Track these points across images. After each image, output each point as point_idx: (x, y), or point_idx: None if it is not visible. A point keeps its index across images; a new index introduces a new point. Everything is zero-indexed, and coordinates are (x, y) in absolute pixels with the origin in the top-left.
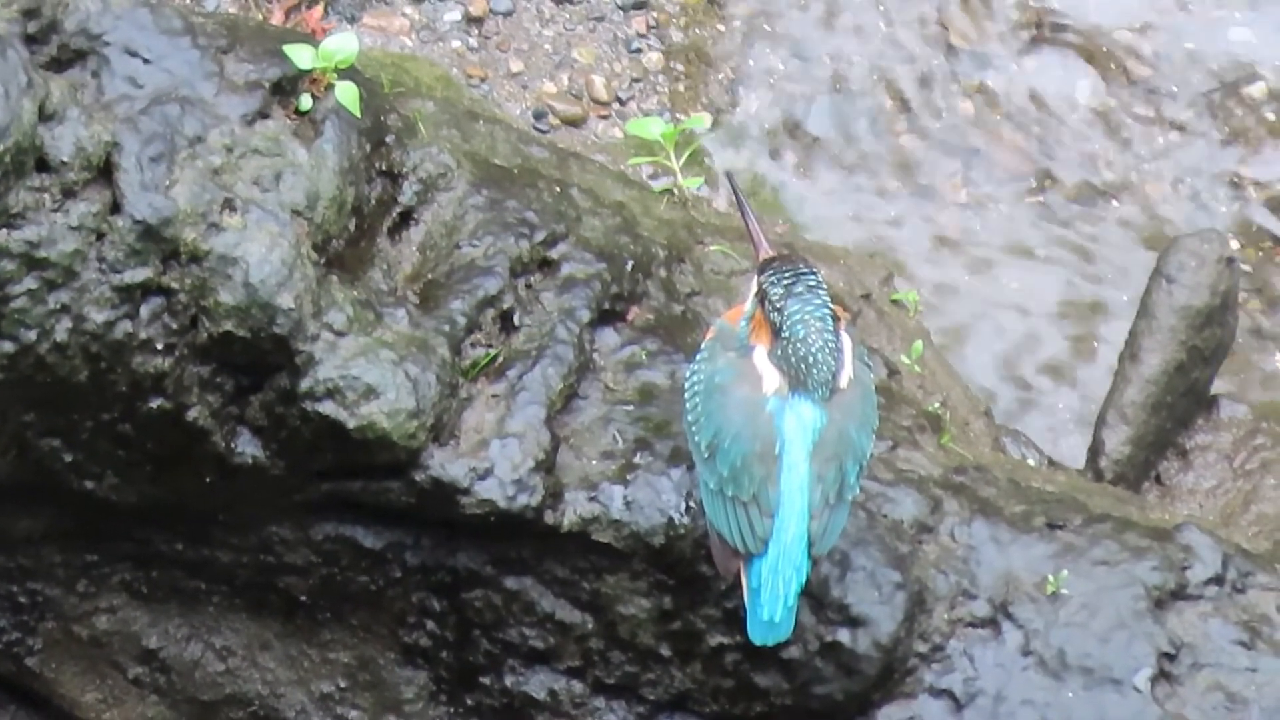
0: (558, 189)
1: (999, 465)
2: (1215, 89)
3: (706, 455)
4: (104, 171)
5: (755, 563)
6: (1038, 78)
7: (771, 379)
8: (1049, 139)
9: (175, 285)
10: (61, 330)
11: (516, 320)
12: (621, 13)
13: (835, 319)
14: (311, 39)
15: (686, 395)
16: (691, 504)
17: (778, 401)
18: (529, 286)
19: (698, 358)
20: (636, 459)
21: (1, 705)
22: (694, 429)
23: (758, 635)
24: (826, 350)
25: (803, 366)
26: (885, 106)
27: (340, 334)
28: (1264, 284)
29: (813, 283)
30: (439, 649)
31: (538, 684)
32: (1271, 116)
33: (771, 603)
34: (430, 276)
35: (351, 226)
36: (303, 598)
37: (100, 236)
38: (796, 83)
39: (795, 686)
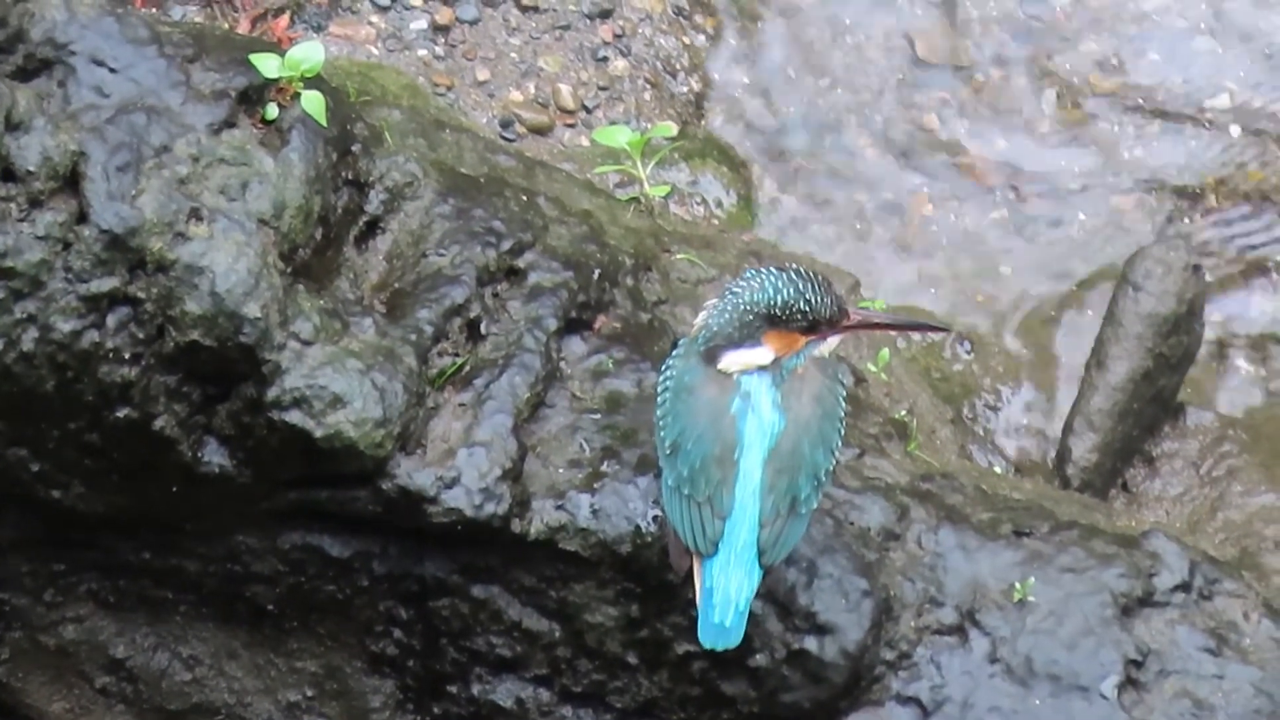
0: (524, 197)
1: (966, 472)
2: (1179, 101)
3: (669, 453)
4: (70, 181)
5: (708, 564)
6: (1002, 91)
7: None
8: (1015, 151)
9: (142, 295)
10: (28, 340)
11: (483, 329)
12: (588, 21)
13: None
14: (278, 48)
15: (659, 390)
16: (658, 511)
17: (741, 403)
18: (496, 295)
19: (674, 354)
20: (603, 467)
21: None
22: (660, 425)
23: (707, 638)
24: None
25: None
26: (851, 119)
27: (307, 343)
28: (1228, 292)
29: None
30: (406, 657)
31: (505, 692)
32: (1236, 129)
33: (723, 606)
34: (397, 285)
35: (318, 235)
36: (270, 606)
37: (67, 246)
38: (763, 94)
39: (762, 694)
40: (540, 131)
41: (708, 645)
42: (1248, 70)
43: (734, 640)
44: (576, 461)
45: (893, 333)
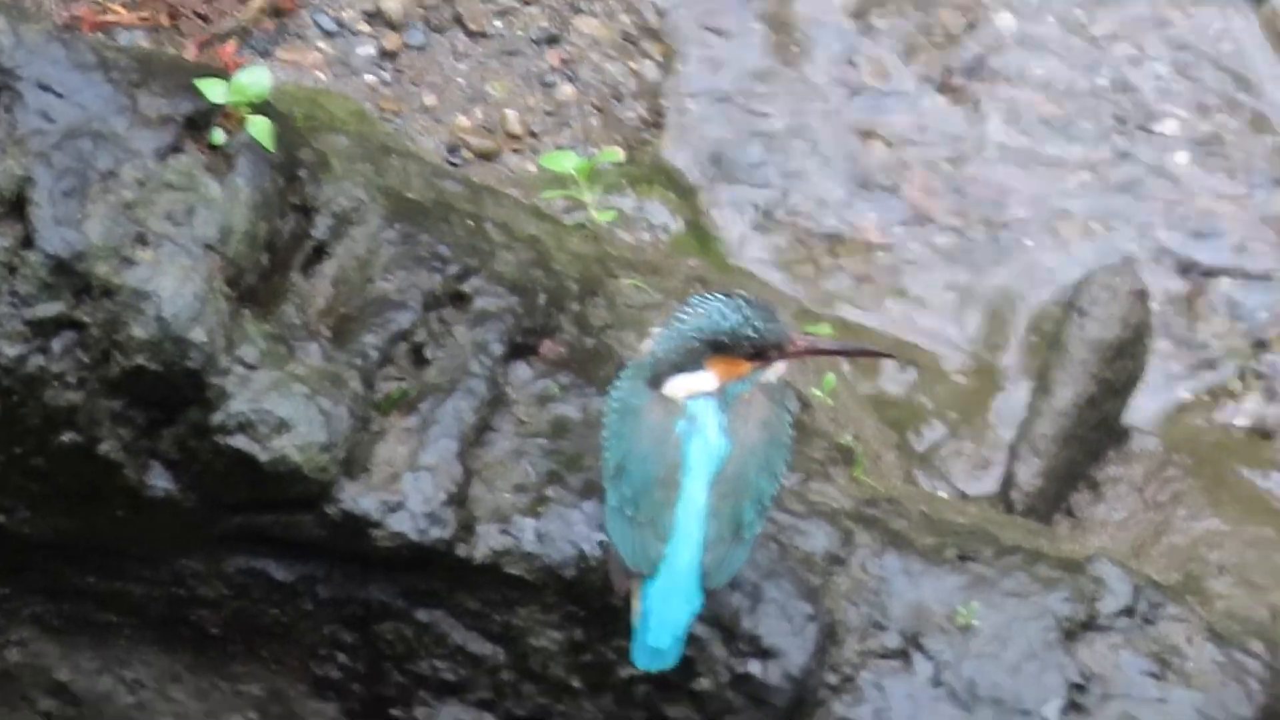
0: (471, 223)
1: (911, 498)
2: (1125, 126)
3: (613, 474)
4: (16, 206)
5: (647, 587)
6: (948, 117)
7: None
8: (959, 178)
9: (87, 319)
10: None
11: (429, 354)
12: (535, 47)
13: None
14: (225, 74)
15: (605, 413)
16: (603, 535)
17: (686, 426)
18: (442, 320)
19: (620, 378)
20: (548, 492)
21: None
22: (606, 446)
23: (642, 660)
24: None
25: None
26: (797, 146)
27: (253, 368)
28: (1174, 319)
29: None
30: (350, 681)
31: (448, 716)
32: (1183, 155)
33: (659, 629)
34: (343, 310)
35: (264, 261)
36: (214, 630)
37: (12, 270)
38: (710, 121)
39: (706, 718)
40: (487, 157)
41: (642, 667)
42: (1197, 94)
43: (669, 663)
44: (522, 486)
45: (839, 358)
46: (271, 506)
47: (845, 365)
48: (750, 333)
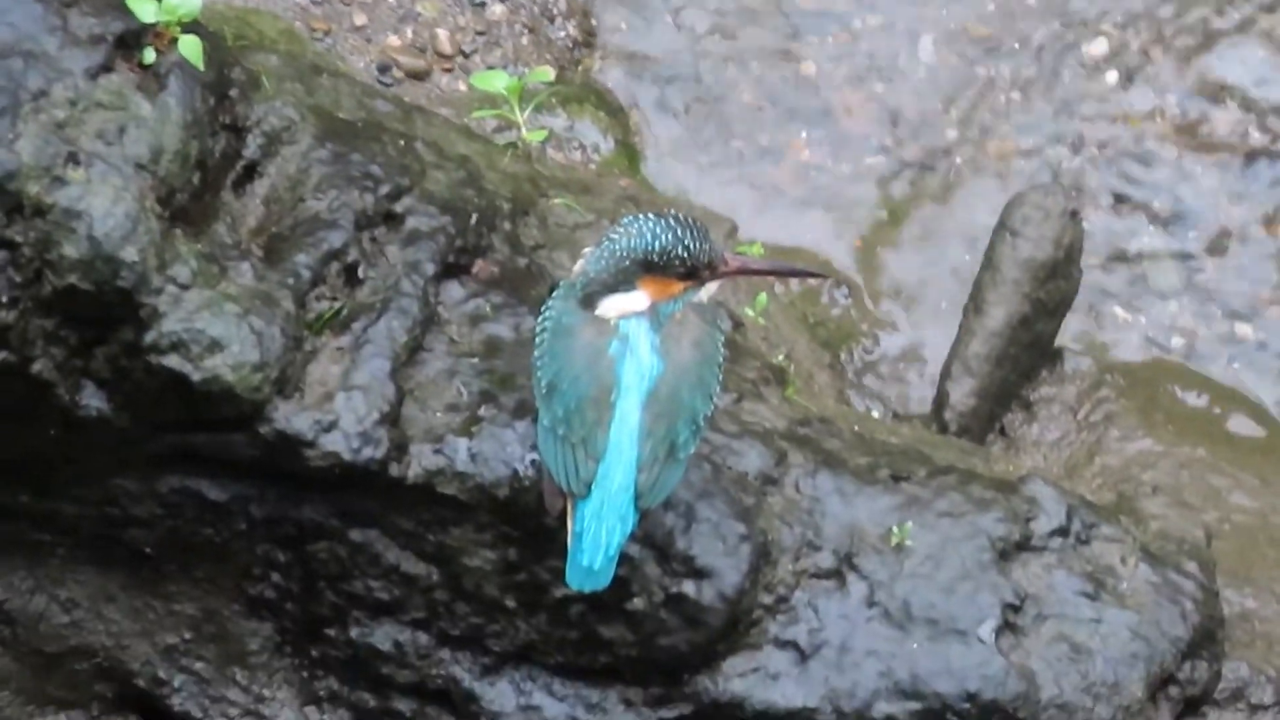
0: (402, 143)
1: (843, 418)
2: (1056, 46)
3: (545, 393)
4: None
5: (580, 507)
6: (881, 36)
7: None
8: (890, 98)
9: (19, 239)
10: None
11: (361, 274)
12: None
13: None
14: None
15: (537, 332)
16: (535, 455)
17: (619, 346)
18: (374, 240)
19: (552, 298)
20: (481, 412)
21: None
22: (538, 366)
23: (575, 580)
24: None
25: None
26: (729, 66)
27: (184, 287)
28: (1105, 239)
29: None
30: (284, 601)
31: (383, 635)
32: (1112, 75)
33: (592, 549)
34: (275, 230)
35: (195, 180)
36: (148, 550)
37: None
38: (641, 39)
39: (640, 638)
40: (418, 77)
41: (575, 587)
42: (1124, 13)
43: (602, 583)
44: (454, 406)
45: (771, 278)
46: (204, 426)
47: (777, 285)
48: (682, 252)
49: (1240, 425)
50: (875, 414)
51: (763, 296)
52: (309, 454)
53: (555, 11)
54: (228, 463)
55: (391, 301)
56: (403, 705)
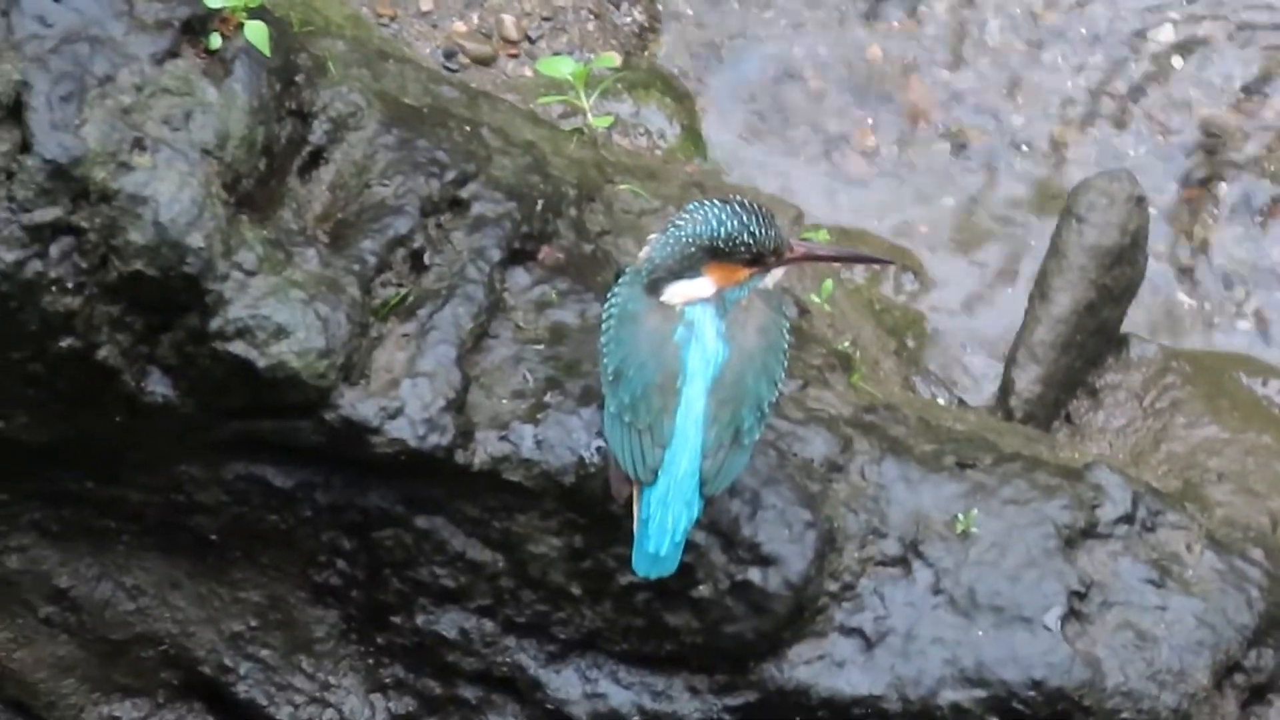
0: (468, 128)
1: (909, 404)
2: (1124, 32)
3: (611, 379)
4: (13, 111)
5: (646, 493)
6: (947, 21)
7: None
8: (957, 84)
9: (85, 224)
10: None
11: (427, 260)
12: None
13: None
14: None
15: (603, 318)
16: (601, 442)
17: (684, 332)
18: (439, 226)
19: (619, 284)
20: (547, 398)
21: None
22: (604, 352)
23: (641, 567)
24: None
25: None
26: (796, 51)
27: (250, 273)
28: (1175, 225)
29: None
30: (349, 588)
31: (448, 623)
32: (1178, 60)
33: (659, 535)
34: (340, 216)
35: (261, 166)
36: (213, 537)
37: (9, 176)
38: (707, 27)
39: (706, 625)
40: (483, 62)
41: (641, 574)
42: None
43: (668, 569)
44: (520, 392)
45: (837, 264)
46: (270, 412)
47: (843, 272)
48: (748, 239)
49: None
50: (941, 401)
51: (828, 283)
52: (374, 441)
53: None
54: (293, 449)
55: (457, 288)
56: (468, 693)
